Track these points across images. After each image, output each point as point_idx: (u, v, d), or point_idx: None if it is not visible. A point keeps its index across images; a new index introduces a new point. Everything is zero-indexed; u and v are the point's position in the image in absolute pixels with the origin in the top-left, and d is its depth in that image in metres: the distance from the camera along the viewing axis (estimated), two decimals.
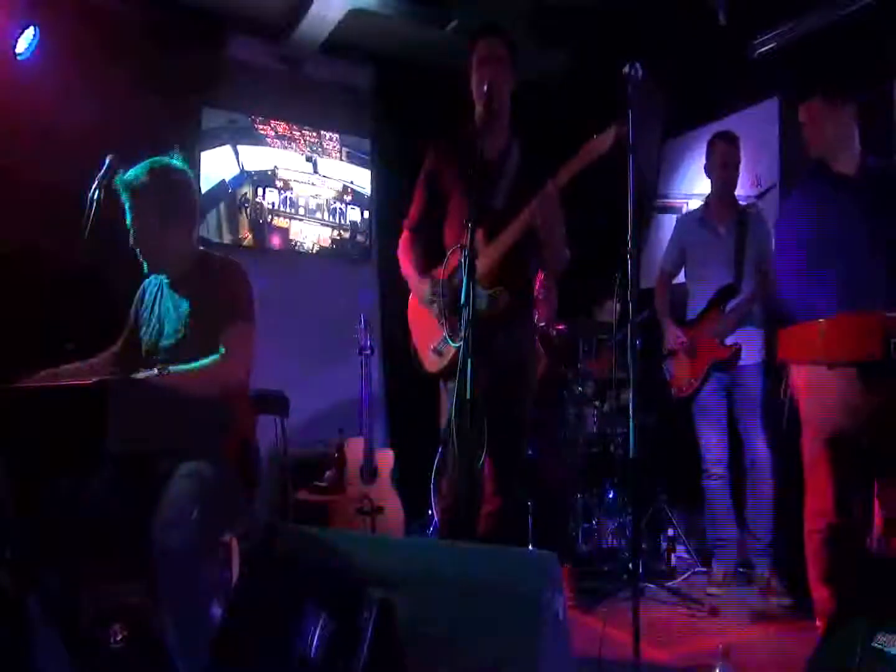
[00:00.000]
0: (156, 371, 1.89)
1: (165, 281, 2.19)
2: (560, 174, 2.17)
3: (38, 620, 1.71)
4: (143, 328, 2.21)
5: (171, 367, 1.91)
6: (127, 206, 2.07)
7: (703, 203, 3.46)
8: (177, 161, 2.14)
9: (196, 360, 1.97)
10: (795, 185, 2.72)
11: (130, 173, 2.07)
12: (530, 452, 3.36)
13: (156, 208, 2.05)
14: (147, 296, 2.25)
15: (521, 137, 2.47)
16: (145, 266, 2.16)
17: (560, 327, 3.80)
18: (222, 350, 2.00)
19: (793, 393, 2.52)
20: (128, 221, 2.08)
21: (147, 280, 2.28)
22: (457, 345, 2.27)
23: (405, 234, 2.58)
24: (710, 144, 3.32)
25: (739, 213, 3.29)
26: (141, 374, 1.91)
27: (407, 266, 2.51)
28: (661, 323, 3.40)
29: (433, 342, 2.39)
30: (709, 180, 3.38)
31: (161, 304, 2.18)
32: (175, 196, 2.10)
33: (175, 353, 2.05)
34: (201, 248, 2.23)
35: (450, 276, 2.32)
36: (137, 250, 2.11)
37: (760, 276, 3.14)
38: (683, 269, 3.47)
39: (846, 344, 2.14)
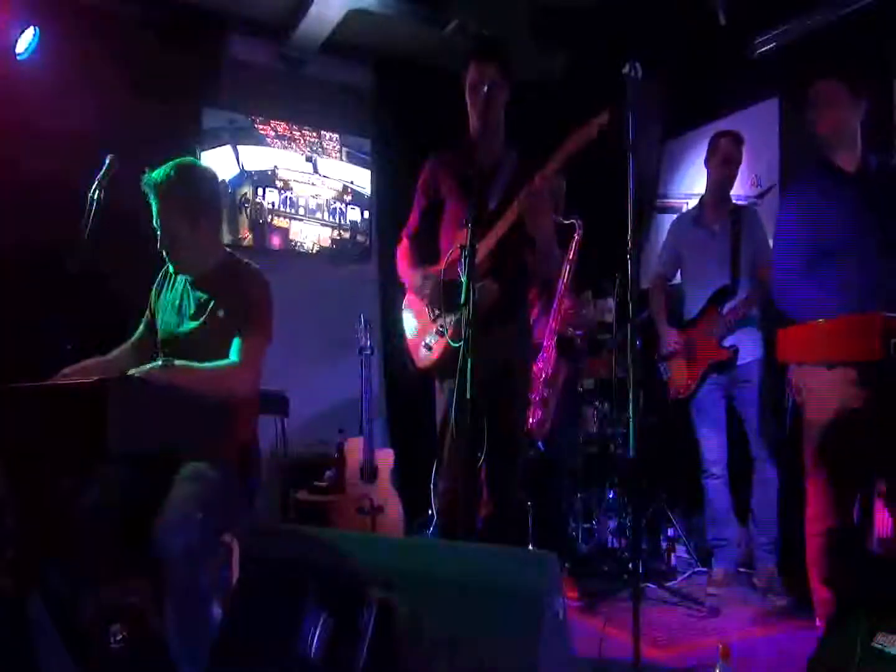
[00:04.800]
0: (160, 363, 1.84)
1: (189, 279, 2.15)
2: (547, 166, 2.18)
3: (38, 620, 1.71)
4: (160, 316, 2.17)
5: (177, 361, 1.87)
6: (154, 207, 2.04)
7: (697, 203, 3.44)
8: (200, 161, 2.12)
9: (210, 357, 1.94)
10: (796, 178, 2.66)
11: (158, 173, 2.04)
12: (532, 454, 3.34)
13: (184, 208, 2.03)
14: (166, 284, 2.21)
15: (517, 146, 2.49)
16: (171, 267, 2.14)
17: (580, 332, 3.74)
18: (235, 358, 1.97)
19: (794, 395, 2.51)
20: (155, 222, 2.05)
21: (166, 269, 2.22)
22: (449, 340, 2.28)
23: (404, 243, 2.60)
24: (714, 139, 3.28)
25: (734, 212, 3.27)
26: (145, 367, 1.83)
27: (405, 272, 2.52)
28: (658, 326, 3.39)
29: (425, 338, 2.39)
30: (705, 179, 3.36)
31: (182, 301, 2.14)
32: (202, 196, 2.08)
33: (193, 340, 2.02)
34: (227, 249, 2.21)
35: (443, 271, 2.32)
36: (164, 252, 2.09)
37: (757, 275, 3.13)
38: (679, 271, 3.46)
39: (846, 344, 2.13)
